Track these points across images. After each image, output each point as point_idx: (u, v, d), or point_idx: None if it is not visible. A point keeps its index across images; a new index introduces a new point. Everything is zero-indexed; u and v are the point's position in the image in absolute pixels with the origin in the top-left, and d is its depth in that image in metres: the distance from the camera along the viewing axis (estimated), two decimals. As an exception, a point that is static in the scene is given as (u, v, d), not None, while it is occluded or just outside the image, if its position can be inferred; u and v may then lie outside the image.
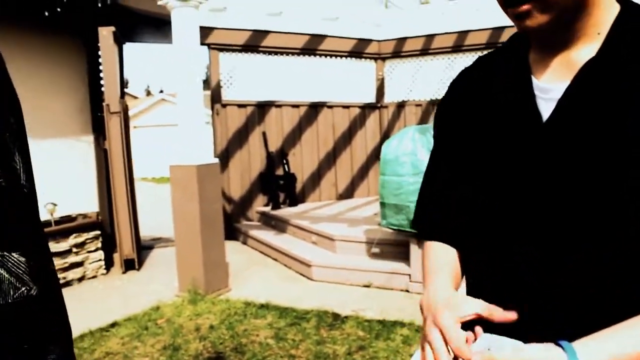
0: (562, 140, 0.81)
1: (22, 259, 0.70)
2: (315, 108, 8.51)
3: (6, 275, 0.68)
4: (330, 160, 8.66)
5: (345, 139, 8.76)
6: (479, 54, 7.19)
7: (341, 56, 8.54)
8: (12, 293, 0.67)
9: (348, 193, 8.82)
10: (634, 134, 0.74)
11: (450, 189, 1.01)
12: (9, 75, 0.78)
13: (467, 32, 7.94)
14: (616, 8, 0.85)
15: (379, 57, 8.78)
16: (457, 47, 8.11)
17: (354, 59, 8.70)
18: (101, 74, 6.40)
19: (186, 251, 5.07)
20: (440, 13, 8.25)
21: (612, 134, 0.76)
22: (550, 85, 0.84)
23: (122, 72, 6.68)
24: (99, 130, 6.54)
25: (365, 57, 8.77)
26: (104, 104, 6.03)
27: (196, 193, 5.00)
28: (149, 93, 51.12)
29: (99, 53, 6.17)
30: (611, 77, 0.78)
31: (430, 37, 8.26)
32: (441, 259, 1.02)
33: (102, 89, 6.33)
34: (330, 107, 8.56)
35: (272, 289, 5.14)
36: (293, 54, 8.25)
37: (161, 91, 44.45)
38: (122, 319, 4.39)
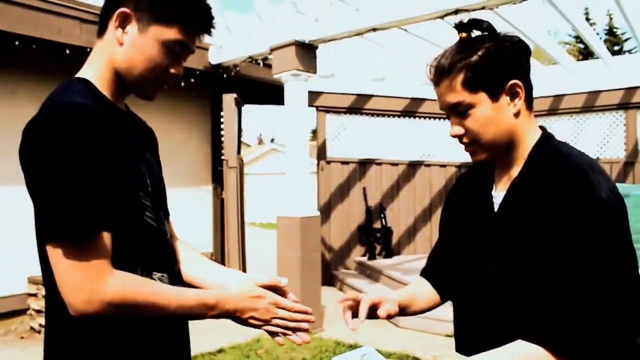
0: (500, 232, 1.24)
1: (166, 279, 1.33)
2: (413, 166, 9.03)
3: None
4: (426, 216, 9.08)
5: (442, 196, 9.10)
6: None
7: (439, 118, 8.96)
8: None
9: (442, 248, 9.11)
10: (543, 240, 1.12)
11: (440, 253, 1.54)
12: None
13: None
14: (537, 135, 1.26)
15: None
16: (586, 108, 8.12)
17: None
18: (222, 132, 7.33)
19: (287, 293, 5.68)
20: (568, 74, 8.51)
21: (528, 233, 1.16)
22: (498, 194, 1.30)
23: (240, 131, 7.58)
24: (217, 181, 7.43)
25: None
26: (223, 159, 6.91)
27: (298, 242, 5.66)
28: (260, 141, 53.54)
29: (221, 114, 7.10)
30: (524, 193, 1.20)
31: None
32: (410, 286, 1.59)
33: (222, 145, 7.24)
34: (428, 165, 9.05)
35: (362, 332, 5.57)
36: (394, 115, 8.88)
37: (272, 140, 46.46)
38: (228, 346, 5.05)
